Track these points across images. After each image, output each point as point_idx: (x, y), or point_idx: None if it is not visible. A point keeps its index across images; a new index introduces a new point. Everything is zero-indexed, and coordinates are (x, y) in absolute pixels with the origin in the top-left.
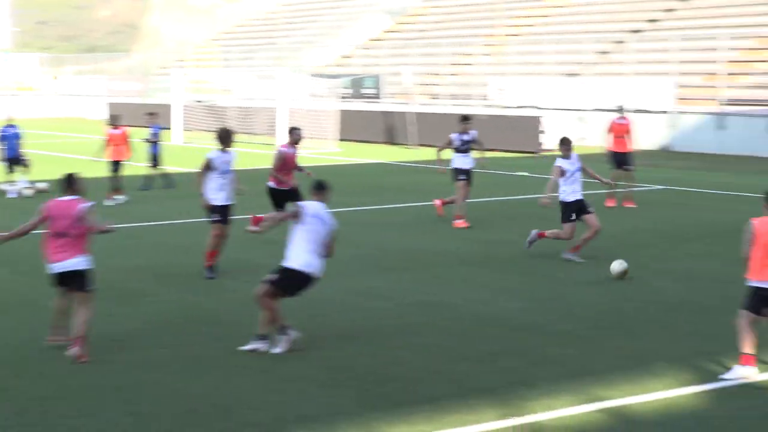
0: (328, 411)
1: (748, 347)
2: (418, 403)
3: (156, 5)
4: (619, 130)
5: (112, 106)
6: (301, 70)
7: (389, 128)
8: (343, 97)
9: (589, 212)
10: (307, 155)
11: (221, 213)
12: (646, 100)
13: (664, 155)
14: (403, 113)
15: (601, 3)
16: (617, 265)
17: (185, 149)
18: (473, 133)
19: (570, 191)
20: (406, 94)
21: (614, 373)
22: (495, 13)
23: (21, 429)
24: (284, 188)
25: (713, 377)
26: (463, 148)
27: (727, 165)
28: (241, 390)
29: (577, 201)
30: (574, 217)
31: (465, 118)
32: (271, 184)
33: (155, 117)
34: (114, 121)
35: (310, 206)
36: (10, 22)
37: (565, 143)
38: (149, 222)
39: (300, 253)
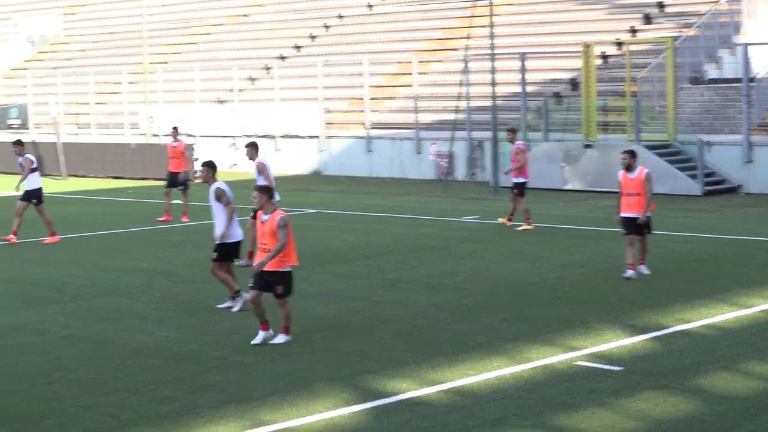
0: None
1: (263, 316)
2: None
3: None
4: (173, 152)
5: None
6: None
7: (38, 159)
8: None
9: None
10: None
11: None
12: (296, 126)
13: (316, 179)
14: (52, 143)
15: (247, 30)
16: None
17: None
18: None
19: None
20: (53, 124)
21: (277, 396)
22: (141, 40)
23: None
24: None
25: (372, 395)
26: None
27: (376, 187)
28: None
29: None
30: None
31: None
32: None
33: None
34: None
35: None
36: None
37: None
38: None
39: None
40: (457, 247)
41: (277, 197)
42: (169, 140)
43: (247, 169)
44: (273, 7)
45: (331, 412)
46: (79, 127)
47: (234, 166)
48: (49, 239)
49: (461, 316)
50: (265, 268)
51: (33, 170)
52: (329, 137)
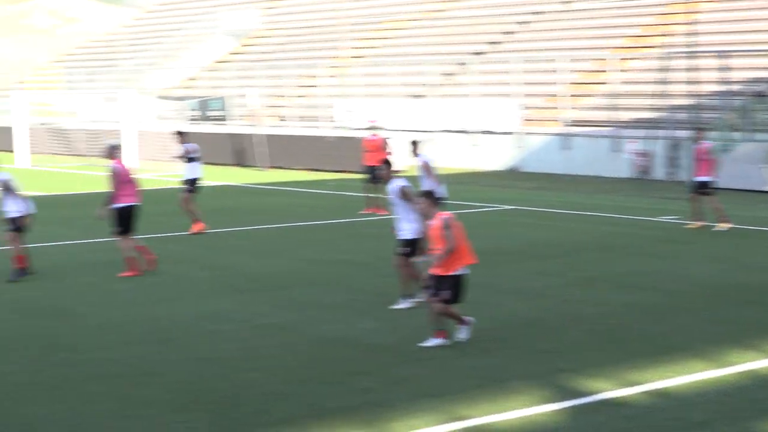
0: None
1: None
2: (274, 425)
3: None
4: (370, 147)
5: None
6: (146, 92)
7: (238, 150)
8: (191, 119)
9: None
10: (155, 177)
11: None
12: (492, 122)
13: (512, 176)
14: (251, 135)
15: (442, 26)
16: None
17: (31, 173)
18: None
19: None
20: (252, 116)
21: (472, 391)
22: (338, 35)
23: None
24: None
25: (569, 394)
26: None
27: (572, 185)
28: (99, 416)
29: None
30: None
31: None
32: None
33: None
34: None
35: None
36: None
37: None
38: None
39: None
40: (653, 247)
41: (443, 192)
42: (366, 134)
43: (443, 164)
44: (469, 2)
45: (528, 410)
46: (279, 120)
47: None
48: (194, 227)
49: (657, 316)
50: (434, 272)
51: (192, 159)
52: (526, 134)
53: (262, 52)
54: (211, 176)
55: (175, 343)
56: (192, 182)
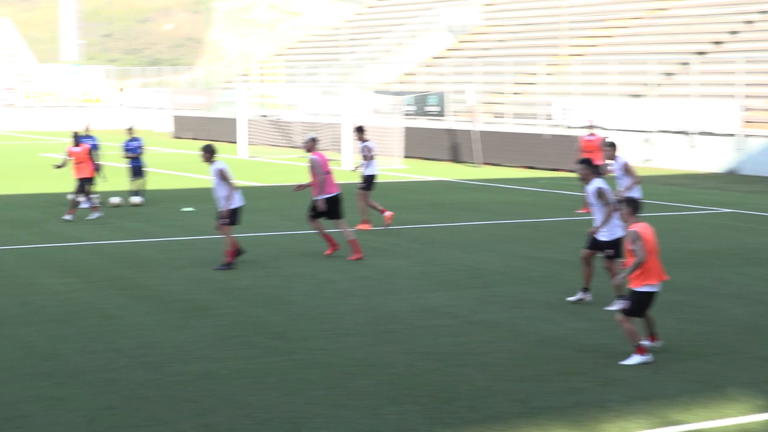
0: (397, 427)
1: (636, 338)
2: (486, 421)
3: (218, 20)
4: (587, 147)
5: (177, 119)
6: (364, 86)
7: (454, 146)
8: (407, 114)
9: None
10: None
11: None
12: (712, 123)
13: (731, 178)
14: (467, 131)
15: (665, 24)
16: None
17: (250, 163)
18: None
19: None
20: (469, 112)
21: (687, 396)
22: (558, 32)
23: None
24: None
25: None
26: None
27: None
28: (311, 404)
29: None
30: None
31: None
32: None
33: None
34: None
35: None
36: (77, 35)
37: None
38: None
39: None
40: None
41: (640, 194)
42: (583, 133)
43: (660, 164)
44: (693, 1)
45: (743, 417)
46: (495, 116)
47: (647, 162)
48: (360, 226)
49: None
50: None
51: (371, 158)
52: (747, 136)
53: (480, 49)
54: (427, 171)
55: (388, 335)
56: (369, 180)
